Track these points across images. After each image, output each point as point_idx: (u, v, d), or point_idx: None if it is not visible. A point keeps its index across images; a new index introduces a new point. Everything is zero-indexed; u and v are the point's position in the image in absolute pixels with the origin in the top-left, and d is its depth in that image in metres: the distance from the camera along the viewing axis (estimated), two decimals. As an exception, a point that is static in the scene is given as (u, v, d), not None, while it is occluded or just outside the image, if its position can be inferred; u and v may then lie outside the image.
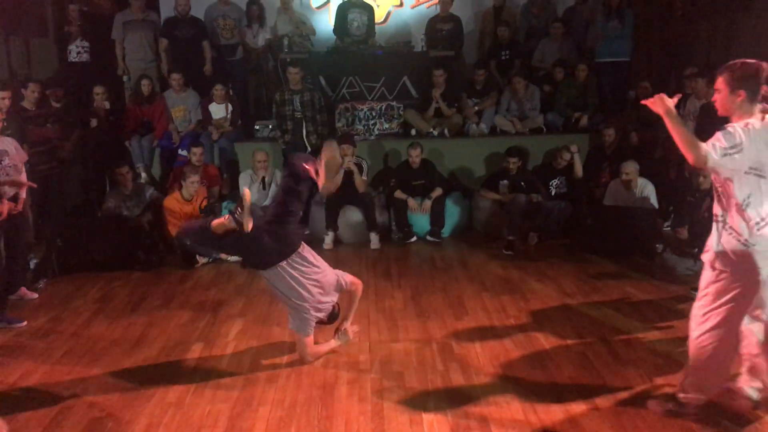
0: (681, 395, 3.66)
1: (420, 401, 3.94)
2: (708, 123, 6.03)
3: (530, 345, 4.69)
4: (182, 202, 6.81)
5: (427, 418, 3.76)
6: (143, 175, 8.09)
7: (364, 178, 7.45)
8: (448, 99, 8.50)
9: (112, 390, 4.16)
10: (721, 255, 3.34)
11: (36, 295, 5.87)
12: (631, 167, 6.90)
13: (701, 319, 3.47)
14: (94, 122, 7.86)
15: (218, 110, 8.26)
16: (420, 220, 7.47)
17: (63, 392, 4.15)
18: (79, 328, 5.19)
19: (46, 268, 6.35)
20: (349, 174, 7.30)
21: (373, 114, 8.53)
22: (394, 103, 8.62)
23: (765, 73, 3.24)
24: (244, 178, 7.50)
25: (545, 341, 4.74)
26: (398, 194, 7.47)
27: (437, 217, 7.42)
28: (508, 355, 4.53)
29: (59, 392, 4.15)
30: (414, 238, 7.40)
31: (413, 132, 8.45)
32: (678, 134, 3.17)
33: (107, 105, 8.05)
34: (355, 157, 7.46)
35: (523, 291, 5.80)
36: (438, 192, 7.48)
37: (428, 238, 7.40)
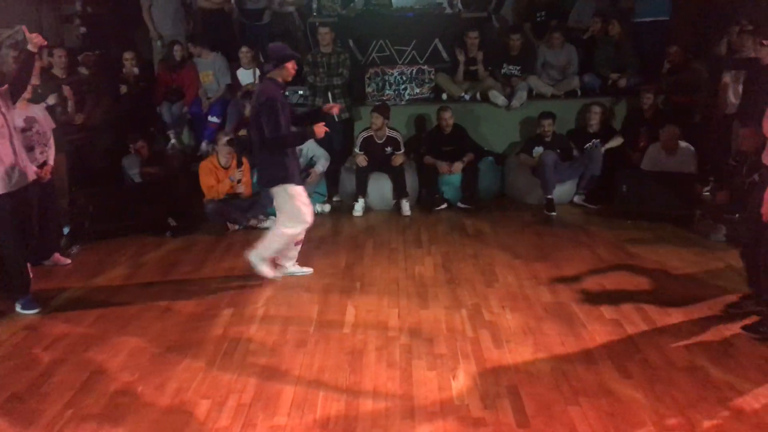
0: None
1: (449, 368, 3.89)
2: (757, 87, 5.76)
3: (563, 313, 4.60)
4: (218, 167, 6.79)
5: (456, 385, 3.71)
6: (173, 141, 8.10)
7: (401, 151, 7.32)
8: (485, 62, 8.29)
9: (142, 354, 4.19)
10: None
11: (69, 261, 5.94)
12: (670, 131, 6.72)
13: None
14: (123, 88, 7.85)
15: (246, 75, 8.17)
16: (451, 186, 7.35)
17: (95, 356, 4.20)
18: (111, 294, 5.24)
19: (79, 234, 6.42)
20: (382, 145, 7.23)
21: (404, 78, 8.35)
22: (425, 67, 8.42)
23: None
24: None
25: (578, 309, 4.64)
26: (428, 160, 7.35)
27: (469, 183, 7.29)
28: (540, 323, 4.45)
29: (91, 356, 4.20)
30: (444, 205, 7.29)
31: (444, 96, 8.28)
32: None
33: (136, 71, 8.02)
34: (390, 129, 7.33)
35: (556, 258, 5.67)
36: (470, 157, 7.34)
37: (459, 204, 7.28)
